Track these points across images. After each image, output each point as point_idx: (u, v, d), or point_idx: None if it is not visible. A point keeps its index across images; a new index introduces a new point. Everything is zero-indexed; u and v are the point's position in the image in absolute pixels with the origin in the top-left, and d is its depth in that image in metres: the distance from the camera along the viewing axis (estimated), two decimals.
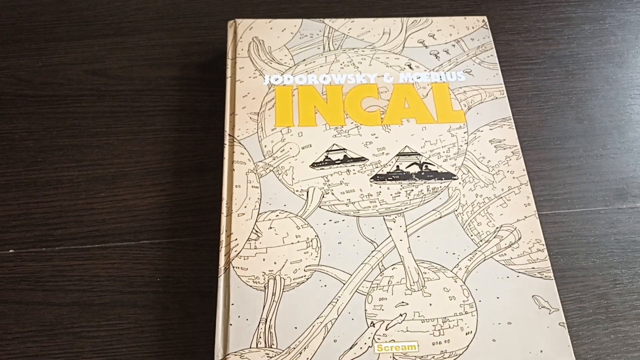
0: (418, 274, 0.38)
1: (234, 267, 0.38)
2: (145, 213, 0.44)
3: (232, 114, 0.45)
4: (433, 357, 0.35)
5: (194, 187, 0.46)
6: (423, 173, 0.43)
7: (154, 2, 0.56)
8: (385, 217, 0.41)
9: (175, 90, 0.50)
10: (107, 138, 0.48)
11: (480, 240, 0.40)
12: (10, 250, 0.43)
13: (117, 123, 0.49)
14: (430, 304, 0.37)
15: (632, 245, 0.44)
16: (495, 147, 0.44)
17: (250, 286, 0.38)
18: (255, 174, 0.42)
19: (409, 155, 0.43)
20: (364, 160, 0.43)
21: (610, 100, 0.51)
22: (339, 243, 0.40)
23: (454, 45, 0.49)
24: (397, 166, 0.43)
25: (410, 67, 0.48)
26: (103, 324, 0.40)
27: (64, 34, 0.54)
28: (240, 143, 0.44)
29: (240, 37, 0.49)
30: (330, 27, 0.50)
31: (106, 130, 0.48)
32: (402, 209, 0.41)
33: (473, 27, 0.51)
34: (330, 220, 0.40)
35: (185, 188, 0.45)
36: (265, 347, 0.36)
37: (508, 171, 0.43)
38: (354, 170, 0.43)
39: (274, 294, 0.38)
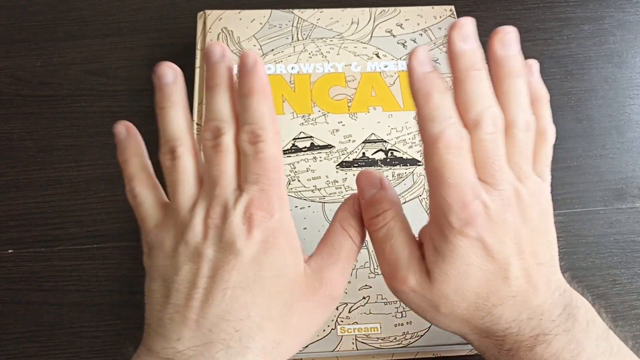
0: None
1: None
2: None
3: (201, 103, 0.46)
4: (395, 338, 0.36)
5: None
6: (388, 159, 0.44)
7: (153, 2, 0.56)
8: None
9: None
10: (107, 138, 0.48)
11: None
12: (10, 250, 0.43)
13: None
14: None
15: (631, 245, 0.44)
16: None
17: None
18: None
19: (375, 142, 0.44)
20: (331, 147, 0.44)
21: (609, 100, 0.51)
22: (304, 228, 0.40)
23: (421, 34, 0.50)
24: (363, 153, 0.44)
25: (378, 56, 0.49)
26: (102, 324, 0.40)
27: (63, 33, 0.54)
28: None
29: (210, 28, 0.50)
30: (299, 17, 0.51)
31: (105, 130, 0.48)
32: None
33: (440, 17, 0.51)
34: (296, 207, 0.41)
35: None
36: None
37: None
38: (320, 157, 0.43)
39: None
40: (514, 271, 0.29)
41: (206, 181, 0.30)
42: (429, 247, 0.30)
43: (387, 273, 0.30)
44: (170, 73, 0.31)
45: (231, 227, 0.28)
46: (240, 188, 0.29)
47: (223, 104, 0.31)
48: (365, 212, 0.32)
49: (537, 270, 0.30)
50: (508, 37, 0.30)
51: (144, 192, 0.31)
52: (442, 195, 0.29)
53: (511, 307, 0.29)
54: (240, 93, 0.30)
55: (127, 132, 0.34)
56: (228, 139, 0.30)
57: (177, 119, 0.31)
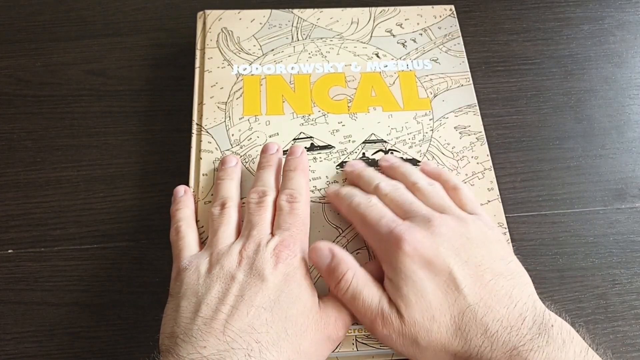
0: None
1: None
2: (144, 213, 0.44)
3: (200, 103, 0.46)
4: None
5: None
6: None
7: (153, 2, 0.56)
8: None
9: (174, 90, 0.50)
10: (106, 138, 0.48)
11: None
12: (10, 251, 0.43)
13: (116, 123, 0.49)
14: None
15: (630, 245, 0.44)
16: (460, 133, 0.45)
17: None
18: None
19: (375, 142, 0.44)
20: (331, 147, 0.44)
21: (609, 100, 0.51)
22: None
23: (421, 34, 0.50)
24: (363, 153, 0.44)
25: (378, 56, 0.49)
26: (102, 324, 0.40)
27: (63, 34, 0.54)
28: (207, 132, 0.44)
29: (210, 28, 0.49)
30: (299, 17, 0.51)
31: (105, 130, 0.48)
32: None
33: (440, 16, 0.51)
34: None
35: None
36: None
37: (472, 157, 0.44)
38: (320, 157, 0.43)
39: None
40: (461, 279, 0.32)
41: (245, 227, 0.37)
42: (388, 285, 0.34)
43: (368, 324, 0.34)
44: (234, 160, 0.42)
45: (262, 259, 0.34)
46: (272, 234, 0.36)
47: (270, 178, 0.40)
48: (327, 282, 0.35)
49: (492, 280, 0.33)
50: (388, 157, 0.43)
51: (188, 230, 0.38)
52: (373, 234, 0.36)
53: (475, 319, 0.31)
54: (287, 168, 0.40)
55: (184, 192, 0.41)
56: (269, 199, 0.38)
57: (230, 186, 0.40)
